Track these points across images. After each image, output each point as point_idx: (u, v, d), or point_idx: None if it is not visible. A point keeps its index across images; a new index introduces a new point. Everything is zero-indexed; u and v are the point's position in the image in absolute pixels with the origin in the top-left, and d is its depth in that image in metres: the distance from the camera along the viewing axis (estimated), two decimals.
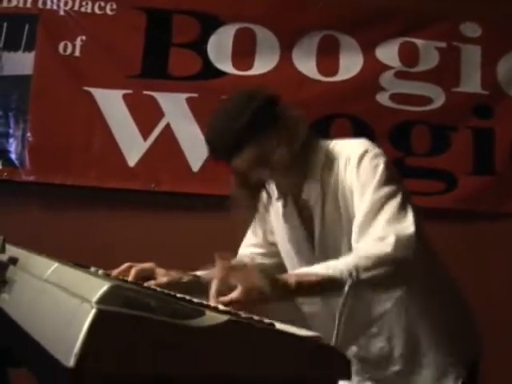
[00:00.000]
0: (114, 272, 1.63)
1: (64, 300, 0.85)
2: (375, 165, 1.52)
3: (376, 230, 1.44)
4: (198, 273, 1.77)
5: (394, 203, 1.47)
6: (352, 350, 1.64)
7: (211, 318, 0.83)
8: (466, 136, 3.20)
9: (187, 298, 1.18)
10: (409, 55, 3.19)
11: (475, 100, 3.21)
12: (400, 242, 1.39)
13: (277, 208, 1.71)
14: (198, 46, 3.12)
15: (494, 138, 3.21)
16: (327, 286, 1.33)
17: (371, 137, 3.08)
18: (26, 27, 3.06)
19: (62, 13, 3.07)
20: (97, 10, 3.09)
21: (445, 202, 3.14)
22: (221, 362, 0.83)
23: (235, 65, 3.12)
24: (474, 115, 3.21)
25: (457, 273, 1.71)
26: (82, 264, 1.42)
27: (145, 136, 3.04)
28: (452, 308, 1.70)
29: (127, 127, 3.04)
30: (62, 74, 3.04)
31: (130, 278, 1.59)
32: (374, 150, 1.57)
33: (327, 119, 3.10)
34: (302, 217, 1.67)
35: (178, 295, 1.24)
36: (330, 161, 1.60)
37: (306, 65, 3.15)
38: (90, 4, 3.09)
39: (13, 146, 3.00)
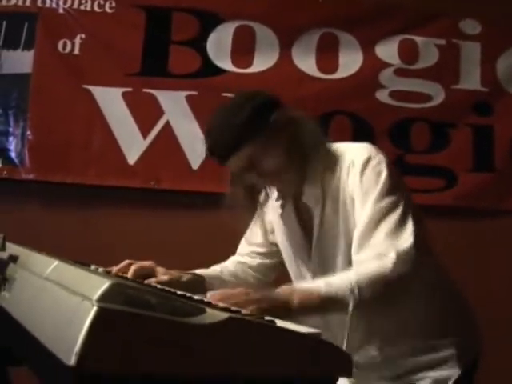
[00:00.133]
0: (114, 269, 1.63)
1: (64, 298, 0.85)
2: (378, 173, 1.51)
3: (376, 243, 1.44)
4: (198, 271, 1.77)
5: (395, 215, 1.47)
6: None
7: (212, 316, 0.83)
8: (465, 133, 3.20)
9: (188, 295, 1.18)
10: (408, 52, 3.19)
11: (475, 97, 3.21)
12: (400, 258, 1.40)
13: (277, 208, 1.71)
14: (198, 44, 3.12)
15: (493, 134, 3.21)
16: (329, 307, 1.34)
17: (371, 134, 3.12)
18: (26, 25, 3.05)
19: (61, 11, 3.07)
20: (96, 8, 3.08)
21: (445, 199, 3.14)
22: (221, 359, 0.83)
23: (235, 62, 3.12)
24: (474, 112, 3.21)
25: (457, 270, 1.71)
26: (82, 262, 1.42)
27: (144, 134, 3.04)
28: (452, 307, 1.70)
29: (127, 125, 3.03)
30: (61, 72, 3.03)
31: (129, 276, 1.59)
32: (378, 156, 1.55)
33: (327, 116, 3.09)
34: (300, 218, 1.67)
35: (179, 292, 1.24)
36: (332, 164, 1.59)
37: (306, 62, 3.15)
38: (89, 2, 3.08)
39: (12, 145, 3.00)
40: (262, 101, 1.57)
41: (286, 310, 1.25)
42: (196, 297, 1.18)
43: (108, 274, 1.51)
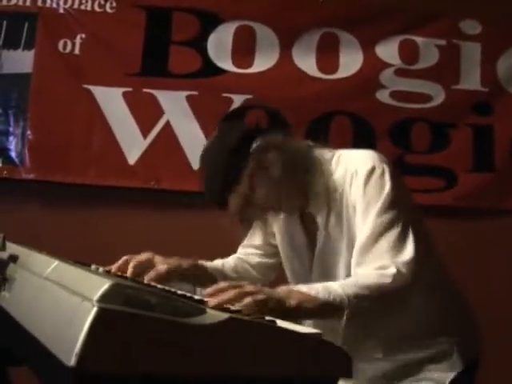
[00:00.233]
0: (113, 267, 1.63)
1: (64, 298, 0.84)
2: (381, 185, 1.51)
3: (376, 256, 1.44)
4: (199, 262, 1.78)
5: (396, 229, 1.47)
6: None
7: (212, 316, 0.83)
8: (465, 133, 3.20)
9: (188, 295, 1.18)
10: (409, 53, 3.19)
11: (475, 97, 3.21)
12: (400, 271, 1.40)
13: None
14: (198, 44, 3.12)
15: (493, 135, 3.21)
16: (326, 312, 1.33)
17: (371, 134, 3.12)
18: (26, 25, 3.06)
19: (61, 11, 3.07)
20: (96, 8, 3.09)
21: (445, 199, 3.14)
22: (222, 359, 0.83)
23: (235, 62, 3.12)
24: (474, 112, 3.21)
25: (457, 270, 1.71)
26: (82, 262, 1.42)
27: (145, 134, 3.04)
28: (452, 307, 1.70)
29: (127, 125, 3.03)
30: (61, 72, 3.03)
31: (128, 274, 1.59)
32: (382, 165, 1.54)
33: (327, 117, 3.10)
34: (305, 226, 1.67)
35: (179, 292, 1.24)
36: (335, 173, 1.59)
37: (306, 62, 3.14)
38: (89, 2, 3.08)
39: (13, 144, 3.00)
40: (239, 135, 1.57)
41: (282, 307, 1.23)
42: (196, 297, 1.18)
43: (108, 274, 1.51)
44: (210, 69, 3.11)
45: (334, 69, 3.15)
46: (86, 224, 2.96)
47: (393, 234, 1.46)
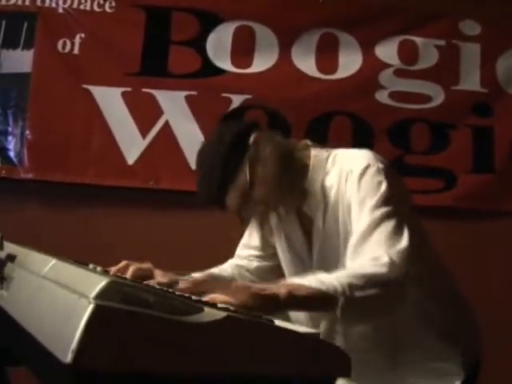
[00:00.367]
0: (112, 270, 1.63)
1: (62, 296, 0.84)
2: (377, 182, 1.51)
3: (370, 248, 1.44)
4: (195, 275, 1.76)
5: (391, 223, 1.46)
6: None
7: (210, 315, 0.83)
8: (465, 134, 3.19)
9: (186, 294, 1.18)
10: (408, 53, 3.19)
11: (474, 98, 3.21)
12: (394, 263, 1.39)
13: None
14: (198, 44, 3.12)
15: (493, 136, 3.20)
16: (318, 302, 1.30)
17: (370, 135, 3.12)
18: (25, 25, 3.06)
19: (60, 10, 3.07)
20: (96, 8, 3.08)
21: (444, 200, 3.14)
22: (219, 358, 0.83)
23: (234, 62, 3.12)
24: (474, 113, 3.20)
25: (456, 271, 1.71)
26: (80, 261, 1.41)
27: (144, 134, 3.04)
28: (452, 307, 1.70)
29: (126, 125, 3.03)
30: (60, 71, 3.03)
31: (127, 276, 1.59)
32: (377, 163, 1.54)
33: (326, 117, 3.10)
34: (302, 225, 1.67)
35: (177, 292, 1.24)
36: (331, 172, 1.60)
37: (305, 62, 3.14)
38: (88, 1, 3.08)
39: (11, 144, 3.00)
40: (230, 145, 1.59)
41: (275, 300, 1.21)
42: (194, 296, 1.17)
43: (106, 272, 1.51)
44: (210, 69, 3.11)
45: (334, 69, 3.15)
46: (85, 224, 2.96)
47: (387, 227, 1.45)
